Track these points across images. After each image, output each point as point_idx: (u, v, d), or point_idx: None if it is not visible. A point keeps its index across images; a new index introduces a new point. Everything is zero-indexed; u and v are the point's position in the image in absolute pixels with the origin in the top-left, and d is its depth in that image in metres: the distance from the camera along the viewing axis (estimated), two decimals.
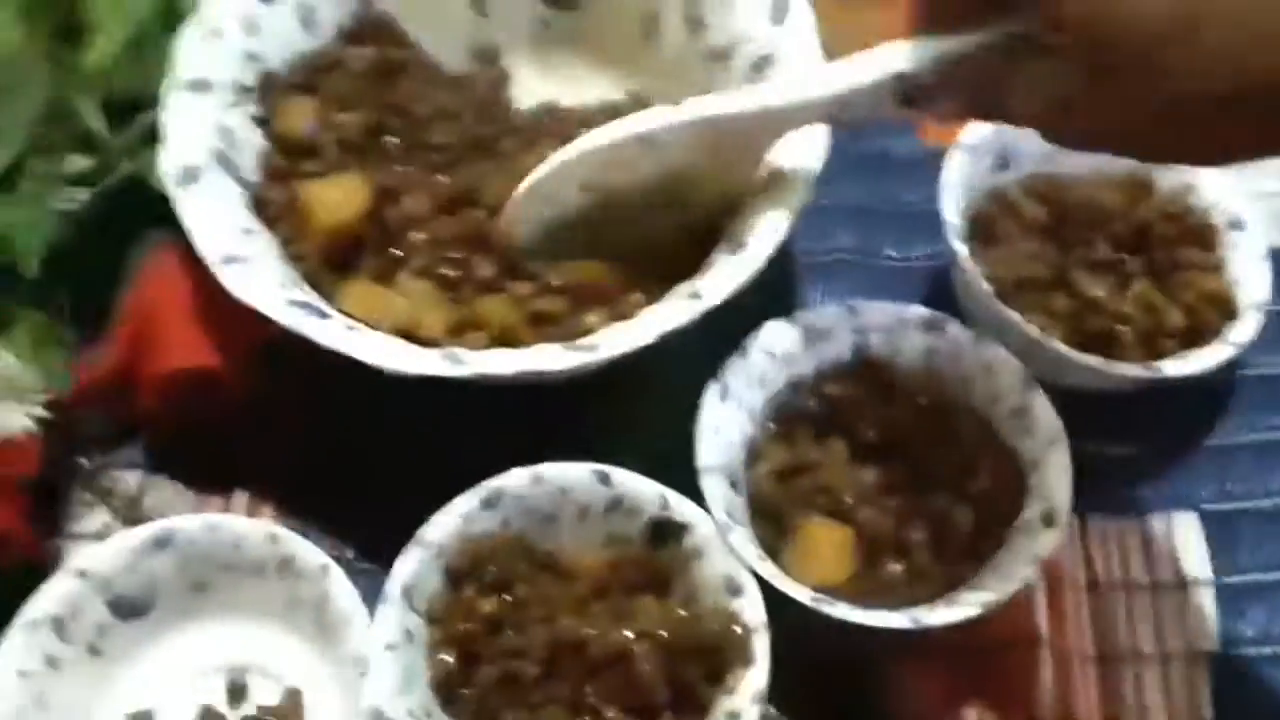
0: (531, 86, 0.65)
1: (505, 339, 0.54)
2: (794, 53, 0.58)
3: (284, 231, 0.57)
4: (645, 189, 0.55)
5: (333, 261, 0.56)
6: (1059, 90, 0.42)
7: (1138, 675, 0.53)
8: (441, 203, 0.57)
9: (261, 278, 0.54)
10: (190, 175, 0.55)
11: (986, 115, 0.49)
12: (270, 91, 0.60)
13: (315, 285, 0.56)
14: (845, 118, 0.51)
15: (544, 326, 0.54)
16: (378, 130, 0.60)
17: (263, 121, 0.60)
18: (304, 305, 0.53)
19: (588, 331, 0.53)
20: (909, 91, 0.48)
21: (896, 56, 0.47)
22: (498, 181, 0.57)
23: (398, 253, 0.56)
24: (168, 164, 0.55)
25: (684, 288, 0.53)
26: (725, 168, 0.54)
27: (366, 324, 0.54)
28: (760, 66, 0.58)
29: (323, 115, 0.59)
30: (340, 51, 0.62)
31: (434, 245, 0.56)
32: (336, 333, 0.52)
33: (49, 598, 0.51)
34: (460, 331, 0.54)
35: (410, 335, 0.54)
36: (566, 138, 0.56)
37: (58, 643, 0.51)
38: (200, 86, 0.58)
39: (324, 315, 0.53)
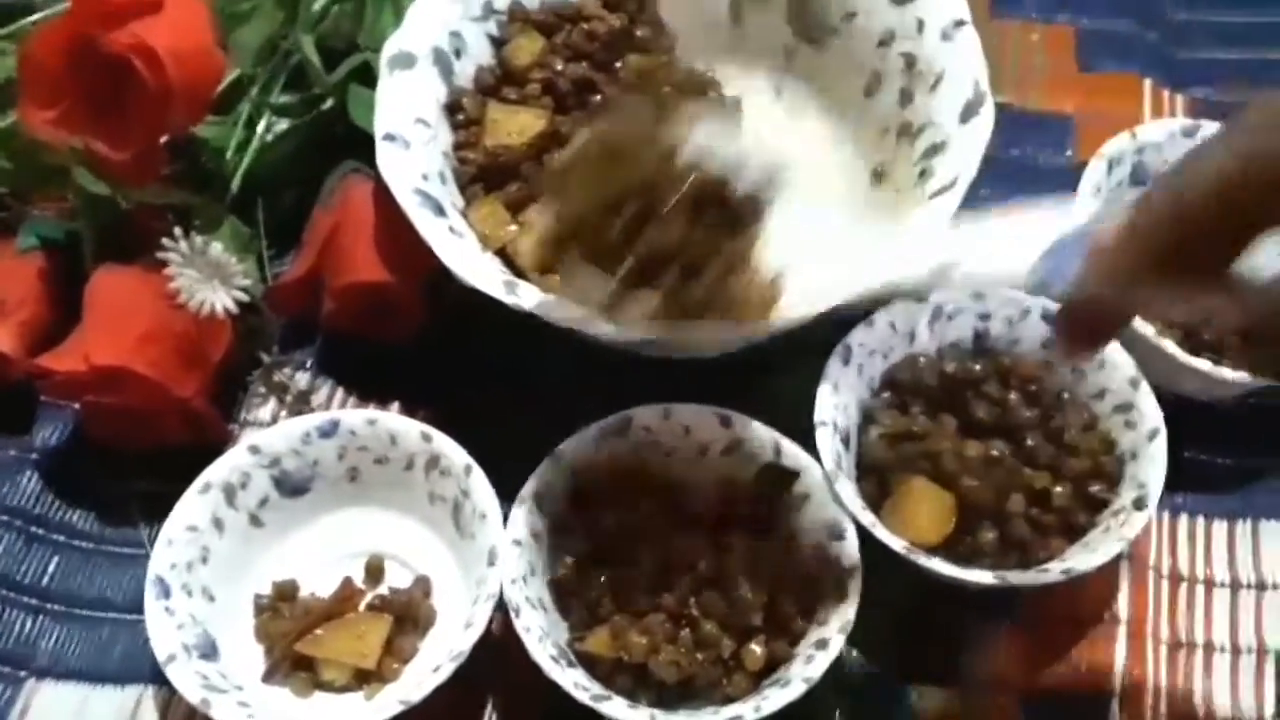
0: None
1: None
2: (966, 148, 0.59)
3: (462, 136, 0.62)
4: None
5: (486, 177, 0.62)
6: None
7: (1208, 665, 0.55)
8: None
9: (409, 162, 0.59)
10: (405, 60, 0.62)
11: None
12: (514, 20, 0.65)
13: (462, 190, 0.61)
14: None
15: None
16: (585, 87, 0.64)
17: (495, 42, 0.65)
18: (426, 197, 0.58)
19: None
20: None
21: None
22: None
23: (537, 189, 0.60)
24: (391, 45, 0.61)
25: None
26: None
27: (480, 237, 0.59)
28: (930, 154, 0.60)
29: (548, 57, 0.64)
30: (593, 9, 0.65)
31: None
32: (437, 229, 0.56)
33: (223, 466, 0.57)
34: (547, 271, 0.57)
35: (507, 259, 0.59)
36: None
37: (225, 507, 0.56)
38: None
39: (440, 213, 0.58)
